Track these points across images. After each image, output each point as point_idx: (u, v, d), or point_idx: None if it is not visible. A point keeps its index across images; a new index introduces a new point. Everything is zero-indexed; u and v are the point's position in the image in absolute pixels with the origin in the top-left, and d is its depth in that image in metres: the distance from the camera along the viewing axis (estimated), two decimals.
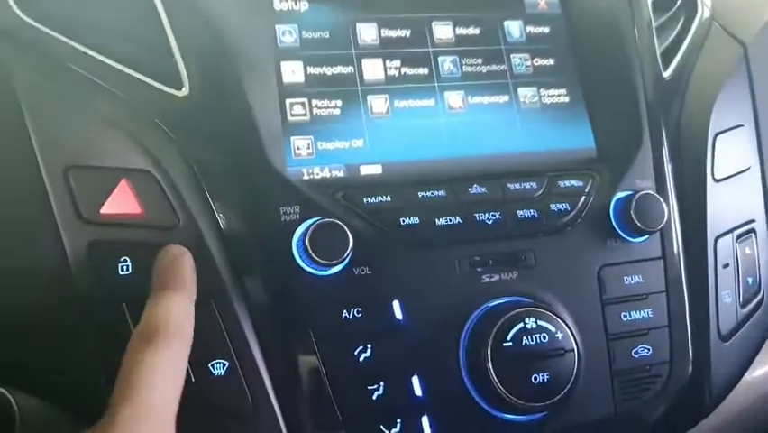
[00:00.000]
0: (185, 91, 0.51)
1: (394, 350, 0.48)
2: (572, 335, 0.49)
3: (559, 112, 0.60)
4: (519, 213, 0.53)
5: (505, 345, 0.47)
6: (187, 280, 0.44)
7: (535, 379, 0.47)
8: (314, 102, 0.55)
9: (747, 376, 0.60)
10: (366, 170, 0.55)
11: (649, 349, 0.53)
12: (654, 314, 0.54)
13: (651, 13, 0.64)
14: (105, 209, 0.47)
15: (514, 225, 0.52)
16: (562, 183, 0.55)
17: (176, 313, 0.42)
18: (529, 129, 0.59)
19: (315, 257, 0.46)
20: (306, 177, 0.53)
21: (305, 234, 0.47)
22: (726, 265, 0.58)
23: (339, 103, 0.55)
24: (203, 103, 0.50)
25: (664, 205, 0.53)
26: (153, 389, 0.38)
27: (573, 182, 0.55)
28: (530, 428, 0.49)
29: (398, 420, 0.48)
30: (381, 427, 0.48)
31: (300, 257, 0.48)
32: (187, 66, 0.51)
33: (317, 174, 0.53)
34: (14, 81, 0.47)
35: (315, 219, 0.47)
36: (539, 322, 0.48)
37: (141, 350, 0.39)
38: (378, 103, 0.57)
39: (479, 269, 0.51)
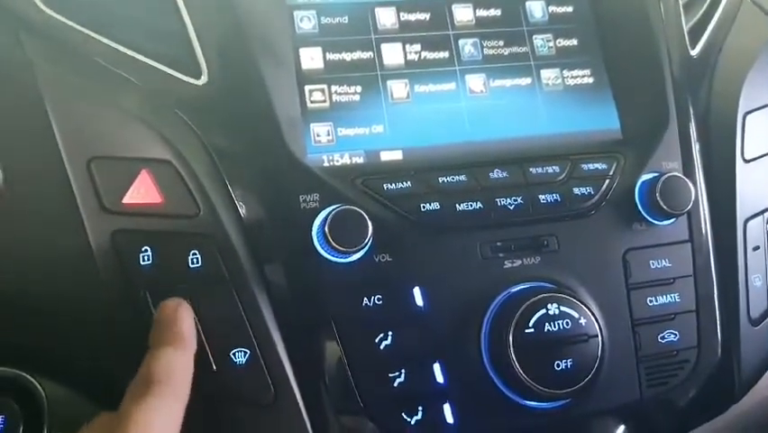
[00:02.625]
0: (204, 79, 0.51)
1: (415, 337, 0.48)
2: (596, 320, 0.48)
3: (583, 93, 0.59)
4: (541, 197, 0.52)
5: (527, 331, 0.46)
6: (186, 334, 0.44)
7: (558, 366, 0.46)
8: (333, 88, 0.54)
9: None
10: (386, 156, 0.54)
11: (676, 334, 0.52)
12: (682, 298, 0.53)
13: None
14: (126, 199, 0.47)
15: (536, 210, 0.52)
16: (585, 166, 0.54)
17: (173, 368, 0.42)
18: (552, 111, 0.58)
19: (335, 244, 0.46)
20: (326, 164, 0.53)
21: (324, 221, 0.46)
22: (757, 248, 0.56)
23: (358, 89, 0.55)
24: (222, 91, 0.50)
25: (691, 186, 0.52)
26: None
27: (597, 165, 0.54)
28: (554, 414, 0.49)
29: (420, 407, 0.48)
30: (403, 414, 0.48)
31: (320, 245, 0.48)
32: (206, 54, 0.51)
33: (337, 161, 0.53)
34: (36, 74, 0.47)
35: (335, 206, 0.47)
36: (562, 308, 0.47)
37: (136, 401, 0.39)
38: (398, 88, 0.56)
39: (500, 254, 0.50)
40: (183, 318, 0.45)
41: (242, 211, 0.49)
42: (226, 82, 0.51)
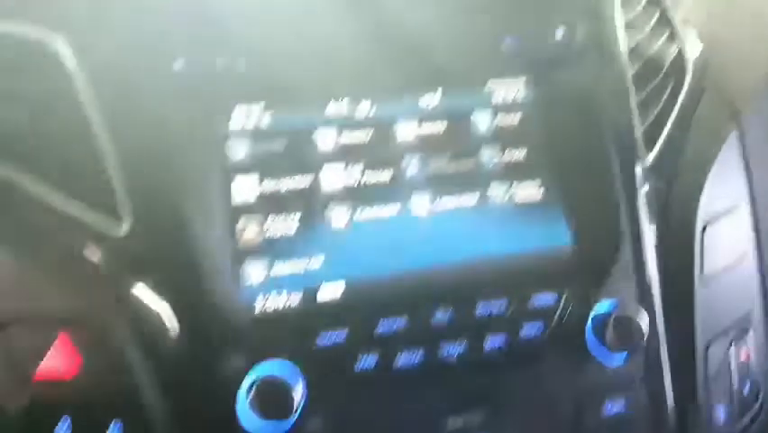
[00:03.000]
0: (125, 228, 0.47)
1: None
2: None
3: (533, 209, 0.56)
4: (486, 342, 0.49)
5: None
6: None
7: None
8: (269, 220, 0.52)
9: None
10: (325, 293, 0.51)
11: None
12: None
13: (631, 92, 0.59)
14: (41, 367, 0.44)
15: (480, 358, 0.49)
16: (533, 300, 0.51)
17: None
18: (501, 230, 0.55)
19: (260, 416, 0.43)
20: (258, 308, 0.50)
21: (249, 389, 0.43)
22: (719, 374, 0.53)
23: (296, 218, 0.52)
24: (143, 239, 0.47)
25: (644, 323, 0.49)
26: None
27: (546, 297, 0.51)
28: None
29: None
30: None
31: (242, 417, 0.44)
32: (128, 198, 0.48)
33: (271, 304, 0.50)
34: None
35: (260, 368, 0.44)
36: None
37: None
38: (338, 215, 0.53)
39: (442, 412, 0.48)
40: None
41: (166, 378, 0.45)
42: (149, 228, 0.47)
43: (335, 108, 0.54)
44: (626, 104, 0.59)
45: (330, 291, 0.51)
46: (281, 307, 0.50)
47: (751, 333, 0.56)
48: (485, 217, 0.55)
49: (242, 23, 0.51)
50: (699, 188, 0.58)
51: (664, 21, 0.64)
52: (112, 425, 0.44)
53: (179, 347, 0.46)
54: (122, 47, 0.48)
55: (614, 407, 0.49)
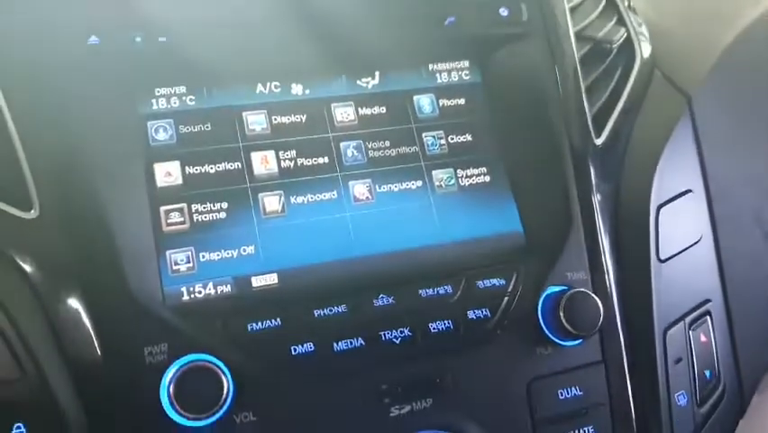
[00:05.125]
0: (33, 213, 0.43)
1: None
2: None
3: (480, 194, 0.53)
4: (432, 326, 0.46)
5: None
6: None
7: None
8: (194, 207, 0.48)
9: None
10: (258, 281, 0.47)
11: None
12: (596, 430, 0.46)
13: (580, 73, 0.57)
14: None
15: (426, 343, 0.45)
16: (480, 283, 0.48)
17: None
18: (446, 217, 0.52)
19: (181, 410, 0.39)
20: (185, 297, 0.46)
21: (170, 382, 0.39)
22: (679, 360, 0.51)
23: (224, 205, 0.48)
24: (55, 225, 0.43)
25: (599, 303, 0.46)
26: None
27: (494, 281, 0.48)
28: None
29: None
30: None
31: (170, 408, 0.40)
32: (37, 182, 0.44)
33: (200, 293, 0.46)
34: None
35: (182, 362, 0.39)
36: None
37: None
38: (270, 201, 0.50)
39: (386, 400, 0.44)
40: None
41: (77, 373, 0.41)
42: (61, 213, 0.43)
43: (264, 89, 0.51)
44: (575, 86, 0.57)
45: (262, 280, 0.47)
46: (209, 296, 0.46)
47: (711, 317, 0.54)
48: (429, 204, 0.52)
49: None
50: (651, 171, 0.55)
51: (611, 6, 0.62)
52: (14, 429, 0.39)
53: (95, 339, 0.41)
54: (31, 21, 0.45)
55: (569, 390, 0.46)
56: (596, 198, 0.53)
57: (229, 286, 0.47)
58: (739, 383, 0.54)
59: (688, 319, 0.53)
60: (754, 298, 0.57)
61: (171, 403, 0.39)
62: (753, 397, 0.56)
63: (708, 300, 0.54)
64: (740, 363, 0.55)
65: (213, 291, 0.46)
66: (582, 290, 0.47)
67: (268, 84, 0.52)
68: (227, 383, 0.40)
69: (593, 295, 0.47)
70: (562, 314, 0.46)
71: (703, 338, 0.53)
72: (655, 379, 0.49)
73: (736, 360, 0.55)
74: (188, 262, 0.47)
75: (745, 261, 0.58)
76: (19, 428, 0.40)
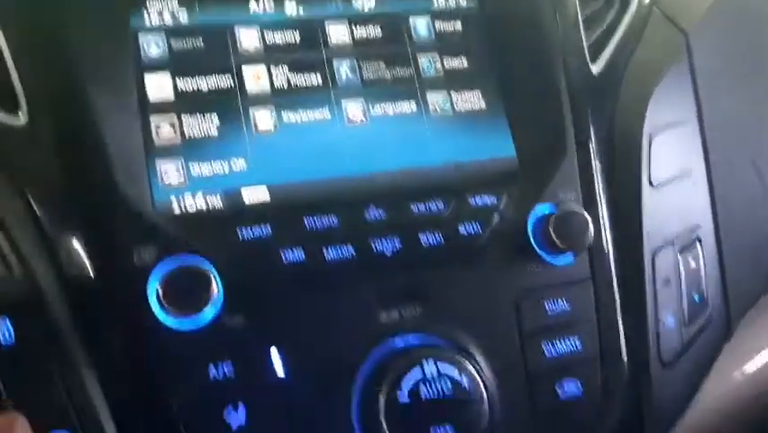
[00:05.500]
0: (23, 118, 0.43)
1: (273, 411, 0.41)
2: (482, 380, 0.42)
3: (474, 119, 0.53)
4: (423, 238, 0.46)
5: (401, 401, 0.40)
6: None
7: None
8: (185, 119, 0.48)
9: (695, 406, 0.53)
10: (249, 195, 0.47)
11: (578, 386, 0.47)
12: (583, 345, 0.47)
13: (578, 4, 0.57)
14: None
15: (417, 253, 0.45)
16: (472, 200, 0.48)
17: None
18: (440, 140, 0.52)
19: (173, 309, 0.39)
20: (176, 208, 0.45)
21: (158, 280, 0.39)
22: (668, 282, 0.51)
23: (215, 120, 0.48)
24: (45, 130, 0.43)
25: (589, 219, 0.47)
26: None
27: (485, 199, 0.48)
28: None
29: None
30: None
31: (158, 309, 0.40)
32: (26, 86, 0.43)
33: (190, 204, 0.46)
34: None
35: (170, 262, 0.40)
36: (440, 367, 0.41)
37: None
38: (263, 117, 0.49)
39: (375, 307, 0.44)
40: None
41: (67, 272, 0.41)
42: (51, 119, 0.43)
43: (257, 7, 0.51)
44: (573, 15, 0.56)
45: (253, 194, 0.47)
46: (199, 207, 0.46)
47: (701, 244, 0.54)
48: (422, 126, 0.52)
49: None
50: (646, 100, 0.55)
51: None
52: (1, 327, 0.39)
53: (83, 242, 0.41)
54: None
55: (557, 305, 0.46)
56: (590, 125, 0.53)
57: (219, 198, 0.47)
58: (726, 310, 0.55)
59: (677, 244, 0.53)
60: (745, 233, 0.58)
61: (160, 302, 0.39)
62: (739, 325, 0.57)
63: (698, 227, 0.55)
64: (728, 292, 0.56)
65: (203, 203, 0.46)
66: (573, 207, 0.47)
67: (261, 2, 0.51)
68: (216, 285, 0.40)
69: (583, 211, 0.47)
70: (551, 229, 0.46)
71: (692, 263, 0.53)
72: (643, 298, 0.50)
73: (724, 288, 0.55)
74: (179, 174, 0.47)
75: (738, 197, 0.58)
76: (4, 319, 0.40)
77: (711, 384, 0.53)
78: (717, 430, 0.55)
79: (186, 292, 0.39)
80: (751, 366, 0.57)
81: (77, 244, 0.42)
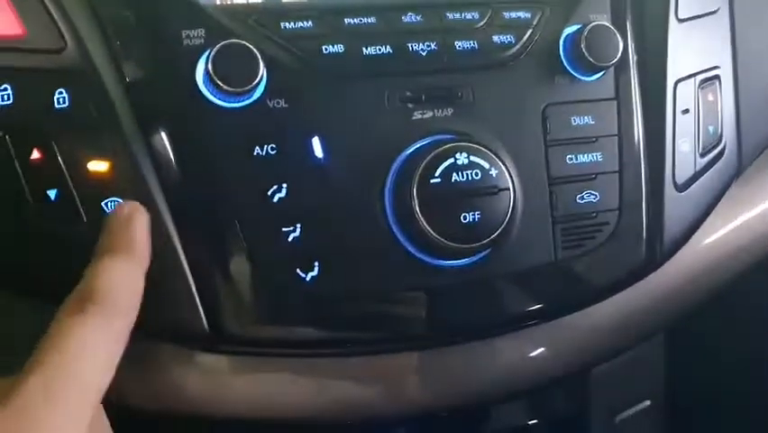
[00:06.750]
0: None
1: (312, 190, 0.44)
2: (509, 174, 0.44)
3: None
4: (458, 44, 0.47)
5: (432, 181, 0.42)
6: (139, 245, 0.38)
7: (465, 218, 0.43)
8: None
9: (702, 234, 0.56)
10: None
11: (596, 195, 0.49)
12: (604, 158, 0.49)
13: None
14: None
15: (451, 58, 0.47)
16: (507, 14, 0.49)
17: (119, 282, 0.36)
18: None
19: (221, 84, 0.41)
20: (218, 2, 0.46)
21: (208, 59, 0.41)
22: (686, 111, 0.53)
23: None
24: None
25: (619, 37, 0.48)
26: (77, 360, 0.32)
27: (520, 14, 0.49)
28: (459, 274, 0.45)
29: (316, 263, 0.44)
30: (298, 270, 0.44)
31: (205, 86, 0.42)
32: None
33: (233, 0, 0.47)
34: None
35: (220, 43, 0.41)
36: (471, 158, 0.44)
37: (71, 317, 0.33)
38: None
39: (410, 105, 0.46)
40: (136, 226, 0.39)
41: (116, 48, 0.42)
42: None
43: None
44: None
45: None
46: (245, 2, 0.47)
47: (720, 82, 0.55)
48: None
49: None
50: None
51: None
52: (56, 94, 0.41)
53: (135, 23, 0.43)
54: None
55: (582, 118, 0.48)
56: None
57: None
58: (738, 146, 0.57)
59: (698, 78, 0.55)
60: (762, 78, 0.59)
61: (208, 78, 0.41)
62: (750, 166, 0.59)
63: (717, 67, 0.56)
64: (741, 132, 0.58)
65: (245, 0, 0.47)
66: (605, 23, 0.48)
67: None
68: (262, 66, 0.42)
69: (615, 30, 0.48)
70: (583, 45, 0.47)
71: (710, 97, 0.55)
72: (663, 123, 0.52)
73: (738, 126, 0.57)
74: None
75: (758, 41, 0.59)
76: (61, 93, 0.42)
77: (722, 213, 0.56)
78: (729, 258, 0.58)
79: (234, 69, 0.41)
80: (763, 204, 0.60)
81: (126, 23, 0.43)
